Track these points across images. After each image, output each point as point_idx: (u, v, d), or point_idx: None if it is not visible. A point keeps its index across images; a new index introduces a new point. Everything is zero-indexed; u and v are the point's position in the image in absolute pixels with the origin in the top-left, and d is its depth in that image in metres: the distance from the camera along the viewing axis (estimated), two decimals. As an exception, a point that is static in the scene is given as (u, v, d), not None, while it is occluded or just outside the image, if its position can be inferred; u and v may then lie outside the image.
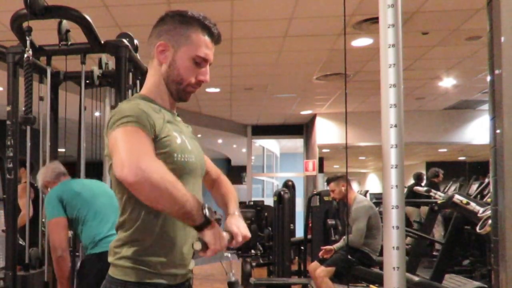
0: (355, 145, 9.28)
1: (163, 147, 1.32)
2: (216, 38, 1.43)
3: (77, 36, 3.03)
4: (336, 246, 4.47)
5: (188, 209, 1.20)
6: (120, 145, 1.22)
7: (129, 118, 1.27)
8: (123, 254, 1.34)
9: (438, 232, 7.16)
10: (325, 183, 11.53)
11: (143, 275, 1.32)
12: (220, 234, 1.26)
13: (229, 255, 1.39)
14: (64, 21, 2.99)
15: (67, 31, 3.02)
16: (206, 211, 1.24)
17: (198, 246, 1.24)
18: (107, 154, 1.35)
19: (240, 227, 1.36)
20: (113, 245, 1.38)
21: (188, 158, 1.37)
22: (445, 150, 12.00)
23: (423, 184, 8.03)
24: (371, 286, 4.95)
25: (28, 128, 3.04)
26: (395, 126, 1.45)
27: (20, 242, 3.44)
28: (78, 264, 2.81)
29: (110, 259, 1.38)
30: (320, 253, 4.54)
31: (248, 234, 1.38)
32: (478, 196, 5.76)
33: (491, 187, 1.37)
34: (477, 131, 8.73)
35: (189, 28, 1.39)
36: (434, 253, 6.76)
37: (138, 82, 3.31)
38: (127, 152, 1.19)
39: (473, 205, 3.92)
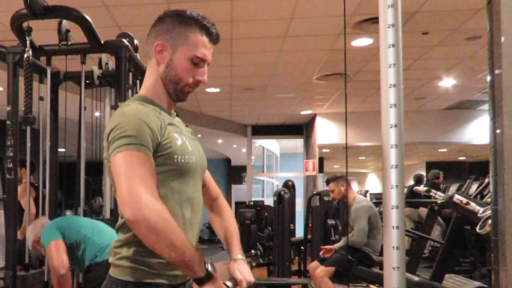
0: (355, 145, 9.29)
1: (164, 149, 1.32)
2: (214, 38, 1.42)
3: (77, 36, 3.03)
4: (336, 246, 4.46)
5: (187, 258, 1.22)
6: (121, 176, 1.22)
7: (130, 139, 1.25)
8: (123, 254, 1.34)
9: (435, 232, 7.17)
10: (325, 183, 11.55)
11: (144, 275, 1.32)
12: (221, 285, 1.28)
13: None
14: (64, 21, 2.99)
15: (67, 31, 3.02)
16: (209, 266, 1.25)
17: None
18: (106, 157, 1.34)
19: (244, 273, 1.36)
20: (114, 246, 1.38)
21: (188, 159, 1.37)
22: (445, 150, 12.00)
23: (422, 186, 8.04)
24: (371, 286, 4.94)
25: (28, 128, 3.04)
26: (395, 126, 1.45)
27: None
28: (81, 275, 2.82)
29: (110, 259, 1.38)
30: (321, 252, 4.54)
31: (252, 280, 1.38)
32: (478, 196, 5.75)
33: (491, 187, 1.37)
34: (477, 131, 8.72)
35: (187, 28, 1.38)
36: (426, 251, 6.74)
37: (138, 82, 3.31)
38: (128, 188, 1.20)
39: (473, 205, 3.92)
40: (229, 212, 1.63)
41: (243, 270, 1.37)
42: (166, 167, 1.33)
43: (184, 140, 1.39)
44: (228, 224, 1.59)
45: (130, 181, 1.20)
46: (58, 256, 2.53)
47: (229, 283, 1.32)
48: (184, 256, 1.21)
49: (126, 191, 1.19)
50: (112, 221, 2.99)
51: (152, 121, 1.31)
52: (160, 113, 1.38)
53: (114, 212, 2.95)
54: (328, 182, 4.71)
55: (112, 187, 1.41)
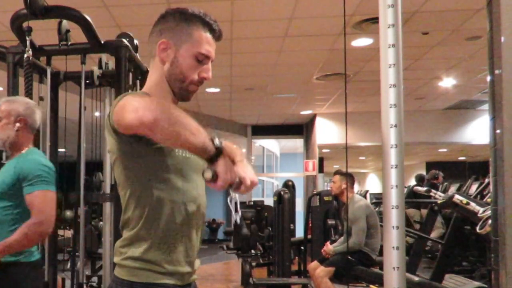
0: (355, 145, 9.29)
1: None
2: (217, 35, 1.42)
3: (77, 36, 3.02)
4: (336, 249, 4.46)
5: (202, 139, 1.20)
6: (129, 101, 1.22)
7: (133, 92, 1.31)
8: (129, 254, 1.33)
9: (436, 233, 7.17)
10: (325, 183, 11.51)
11: (150, 275, 1.31)
12: (231, 165, 1.25)
13: (236, 196, 1.38)
14: (64, 21, 2.99)
15: (67, 31, 3.02)
16: (217, 141, 1.23)
17: (208, 174, 1.22)
18: (111, 149, 1.35)
19: (247, 172, 1.32)
20: (119, 245, 1.37)
21: (190, 154, 1.37)
22: (445, 150, 12.00)
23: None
24: (371, 286, 4.95)
25: (28, 128, 3.03)
26: (395, 126, 1.45)
27: None
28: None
29: (116, 259, 1.37)
30: (324, 248, 4.56)
31: (256, 180, 1.35)
32: (478, 196, 5.76)
33: (491, 187, 1.37)
34: (477, 131, 8.73)
35: (190, 25, 1.38)
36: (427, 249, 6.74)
37: (138, 82, 3.31)
38: (138, 101, 1.20)
39: (473, 205, 3.92)
40: (234, 146, 1.62)
41: (247, 170, 1.33)
42: (168, 162, 1.33)
43: None
44: (232, 147, 1.57)
45: (135, 100, 1.21)
46: (53, 209, 2.14)
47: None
48: (201, 138, 1.20)
49: (136, 102, 1.19)
50: (112, 196, 3.02)
51: None
52: None
53: (114, 187, 2.94)
54: (336, 173, 4.74)
55: (113, 167, 1.39)
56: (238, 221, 1.44)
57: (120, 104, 1.25)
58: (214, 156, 1.22)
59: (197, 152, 1.23)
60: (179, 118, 1.18)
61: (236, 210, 1.40)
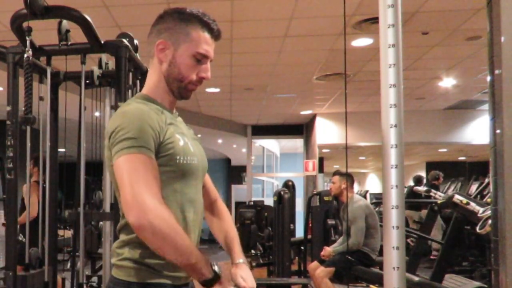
0: (355, 145, 9.28)
1: (166, 150, 1.31)
2: (216, 34, 1.42)
3: (77, 36, 3.02)
4: (335, 249, 4.46)
5: (193, 261, 1.22)
6: (125, 181, 1.22)
7: (132, 142, 1.25)
8: (126, 255, 1.34)
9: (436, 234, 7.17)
10: (325, 183, 11.51)
11: (147, 275, 1.32)
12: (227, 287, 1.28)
13: None
14: (64, 21, 2.99)
15: (67, 31, 3.02)
16: (216, 267, 1.25)
17: None
18: (108, 156, 1.35)
19: (246, 279, 1.36)
20: (116, 246, 1.38)
21: (190, 160, 1.37)
22: (445, 150, 11.99)
23: (422, 187, 8.06)
24: (371, 286, 4.95)
25: (28, 128, 3.04)
26: (395, 126, 1.45)
27: (20, 239, 3.43)
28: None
29: (113, 260, 1.37)
30: (322, 253, 4.55)
31: (254, 286, 1.38)
32: (478, 196, 5.76)
33: (491, 187, 1.36)
34: (477, 131, 8.73)
35: (189, 25, 1.38)
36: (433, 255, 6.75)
37: (138, 82, 3.31)
38: (132, 192, 1.20)
39: (473, 205, 3.92)
40: (228, 216, 1.63)
41: (246, 277, 1.37)
42: (168, 168, 1.32)
43: (186, 141, 1.38)
44: (228, 228, 1.58)
45: (134, 186, 1.20)
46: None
47: None
48: (191, 260, 1.21)
49: (130, 196, 1.19)
50: (112, 214, 3.00)
51: (155, 121, 1.30)
52: (162, 112, 1.37)
53: (114, 206, 2.94)
54: (335, 174, 4.74)
55: (114, 188, 1.40)
56: None
57: (117, 168, 1.25)
58: (211, 281, 1.25)
59: (187, 271, 1.26)
60: (166, 232, 1.19)
61: None
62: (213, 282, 1.25)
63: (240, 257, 1.49)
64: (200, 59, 1.39)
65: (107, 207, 3.11)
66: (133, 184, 1.20)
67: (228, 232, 1.57)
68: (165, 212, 1.21)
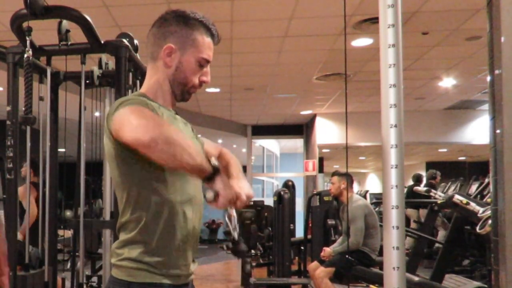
0: (355, 145, 9.28)
1: None
2: (216, 40, 1.46)
3: (77, 36, 3.02)
4: (335, 250, 4.46)
5: (199, 160, 1.22)
6: (128, 116, 1.23)
7: (133, 101, 1.31)
8: (125, 255, 1.34)
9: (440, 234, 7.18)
10: (325, 183, 11.51)
11: (147, 275, 1.32)
12: (228, 182, 1.28)
13: (234, 212, 1.39)
14: (64, 21, 2.99)
15: (67, 31, 3.02)
16: (214, 161, 1.26)
17: (210, 195, 1.25)
18: (108, 152, 1.35)
19: (243, 188, 1.35)
20: (115, 247, 1.38)
21: None
22: (445, 150, 12.00)
23: (422, 185, 8.06)
24: (371, 286, 4.95)
25: (28, 128, 3.04)
26: (395, 126, 1.45)
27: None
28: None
29: (112, 260, 1.38)
30: (321, 254, 4.55)
31: (252, 194, 1.37)
32: (478, 196, 5.76)
33: (491, 187, 1.37)
34: (477, 131, 8.72)
35: (194, 30, 1.41)
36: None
37: (138, 82, 3.31)
38: (137, 118, 1.21)
39: (473, 205, 3.92)
40: (230, 154, 1.63)
41: (242, 186, 1.36)
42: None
43: None
44: (230, 160, 1.58)
45: (136, 115, 1.22)
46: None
47: None
48: (197, 159, 1.21)
49: (135, 121, 1.20)
50: (112, 223, 2.99)
51: (154, 107, 1.35)
52: (158, 107, 1.39)
53: (114, 214, 2.94)
54: (334, 174, 4.74)
55: (114, 186, 1.40)
56: (236, 237, 1.43)
57: (118, 119, 1.26)
58: (211, 175, 1.25)
59: (194, 172, 1.25)
60: (177, 139, 1.19)
61: (234, 227, 1.42)
62: (214, 175, 1.25)
63: (238, 173, 1.48)
64: (203, 64, 1.43)
65: (107, 215, 3.11)
66: (135, 115, 1.22)
67: (228, 161, 1.56)
68: (168, 125, 1.24)
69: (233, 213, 1.39)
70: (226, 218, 1.41)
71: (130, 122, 1.21)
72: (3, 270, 2.27)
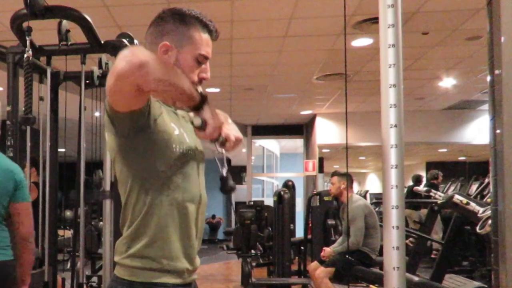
0: (355, 145, 9.28)
1: (160, 132, 1.33)
2: (214, 35, 1.44)
3: (77, 36, 3.03)
4: (335, 250, 4.46)
5: (188, 84, 1.22)
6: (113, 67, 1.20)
7: None
8: (128, 252, 1.34)
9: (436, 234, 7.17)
10: (325, 183, 11.50)
11: (150, 274, 1.32)
12: (216, 111, 1.30)
13: (223, 151, 1.39)
14: (64, 21, 2.99)
15: (67, 31, 3.02)
16: (200, 89, 1.27)
17: (197, 121, 1.26)
18: (110, 146, 1.35)
19: (231, 130, 1.36)
20: (119, 243, 1.38)
21: (186, 150, 1.38)
22: (445, 150, 12.00)
23: (421, 186, 8.06)
24: (371, 286, 4.95)
25: (28, 128, 3.04)
26: (395, 126, 1.45)
27: None
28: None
29: (116, 258, 1.37)
30: (322, 254, 4.55)
31: (241, 136, 1.38)
32: (478, 196, 5.76)
33: (491, 187, 1.37)
34: (477, 131, 8.72)
35: (190, 27, 1.39)
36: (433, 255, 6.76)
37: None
38: (126, 51, 1.19)
39: (473, 205, 3.92)
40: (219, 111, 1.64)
41: (231, 128, 1.39)
42: (167, 158, 1.34)
43: (182, 132, 1.40)
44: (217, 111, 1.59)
45: (122, 53, 1.19)
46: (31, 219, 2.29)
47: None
48: (186, 84, 1.22)
49: (121, 60, 1.17)
50: (112, 194, 3.00)
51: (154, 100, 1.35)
52: (157, 101, 1.39)
53: (114, 185, 2.94)
54: (333, 174, 4.75)
55: (113, 163, 1.41)
56: (225, 174, 1.43)
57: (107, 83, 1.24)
58: (200, 103, 1.26)
59: (185, 98, 1.25)
60: (166, 63, 1.20)
61: (223, 165, 1.42)
62: (202, 103, 1.26)
63: (227, 118, 1.48)
64: (201, 60, 1.41)
65: (107, 186, 3.12)
66: (120, 59, 1.18)
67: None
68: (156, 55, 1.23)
69: (223, 151, 1.39)
70: (216, 159, 1.40)
71: (119, 56, 1.18)
72: (26, 280, 2.31)
